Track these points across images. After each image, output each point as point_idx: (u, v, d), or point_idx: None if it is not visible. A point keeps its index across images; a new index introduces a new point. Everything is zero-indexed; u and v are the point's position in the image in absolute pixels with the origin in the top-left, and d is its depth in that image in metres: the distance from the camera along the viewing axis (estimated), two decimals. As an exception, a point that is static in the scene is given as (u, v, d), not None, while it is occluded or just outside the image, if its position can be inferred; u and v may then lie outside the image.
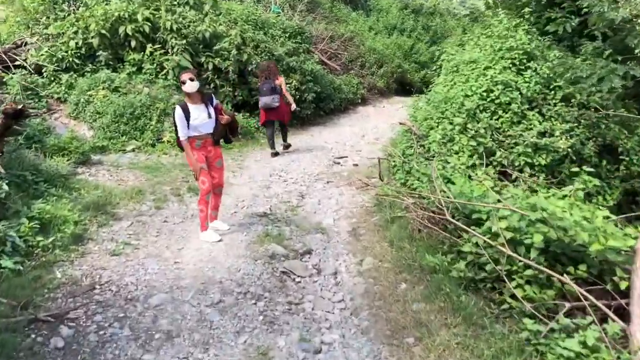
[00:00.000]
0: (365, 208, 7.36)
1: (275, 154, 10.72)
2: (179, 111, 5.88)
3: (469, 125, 7.59)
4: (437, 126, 7.94)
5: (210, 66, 12.48)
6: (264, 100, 10.28)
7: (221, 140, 6.47)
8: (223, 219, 6.92)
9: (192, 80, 5.85)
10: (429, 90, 12.11)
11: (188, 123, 5.90)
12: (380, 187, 7.94)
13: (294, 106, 10.97)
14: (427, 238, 5.79)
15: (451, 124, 7.89)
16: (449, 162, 7.09)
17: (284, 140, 11.22)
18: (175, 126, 6.00)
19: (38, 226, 5.89)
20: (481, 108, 8.02)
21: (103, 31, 12.07)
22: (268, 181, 8.97)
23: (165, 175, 8.93)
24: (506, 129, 7.90)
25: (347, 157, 10.62)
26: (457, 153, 7.46)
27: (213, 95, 6.22)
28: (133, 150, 10.63)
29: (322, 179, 9.00)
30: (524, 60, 8.77)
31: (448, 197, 5.60)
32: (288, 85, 13.15)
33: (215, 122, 6.11)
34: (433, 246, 5.57)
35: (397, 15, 24.23)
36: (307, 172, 9.47)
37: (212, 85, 12.61)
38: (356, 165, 9.89)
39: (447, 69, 9.66)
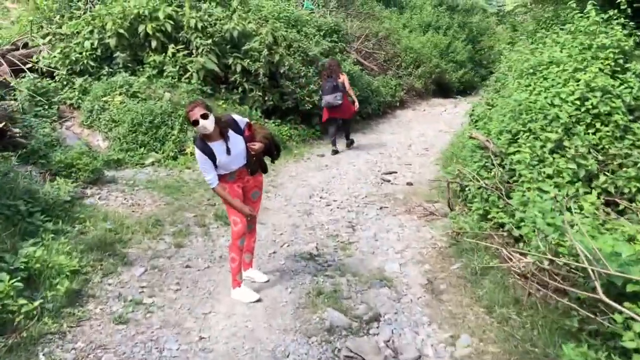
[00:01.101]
0: (438, 249, 5.72)
1: (335, 152, 10.56)
2: (199, 155, 4.35)
3: (566, 143, 5.92)
4: (522, 142, 6.28)
5: (239, 68, 10.95)
6: (326, 99, 10.06)
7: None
8: (260, 264, 5.38)
9: (205, 117, 4.25)
10: (490, 95, 10.45)
11: (215, 164, 4.40)
12: (451, 218, 6.31)
13: (357, 105, 10.62)
14: (543, 305, 4.16)
15: (537, 138, 6.23)
16: (546, 191, 5.42)
17: (347, 137, 11.06)
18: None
19: (22, 284, 4.37)
20: (573, 120, 6.36)
21: (121, 30, 10.62)
22: (308, 205, 7.40)
23: (188, 197, 7.41)
24: (607, 146, 6.22)
25: (396, 172, 9.00)
26: (550, 177, 5.79)
27: (235, 118, 4.59)
28: (152, 163, 9.15)
29: (374, 203, 7.38)
30: (620, 61, 7.08)
31: (570, 255, 3.96)
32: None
33: (245, 151, 4.57)
34: (555, 322, 3.93)
35: (432, 13, 22.47)
36: (353, 193, 7.87)
37: (240, 89, 11.08)
38: (410, 184, 8.26)
39: (521, 71, 7.97)
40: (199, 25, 10.79)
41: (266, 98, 11.20)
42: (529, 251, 4.60)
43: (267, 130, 4.90)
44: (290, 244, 5.97)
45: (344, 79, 10.19)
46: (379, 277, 5.16)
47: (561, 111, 6.23)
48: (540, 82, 7.29)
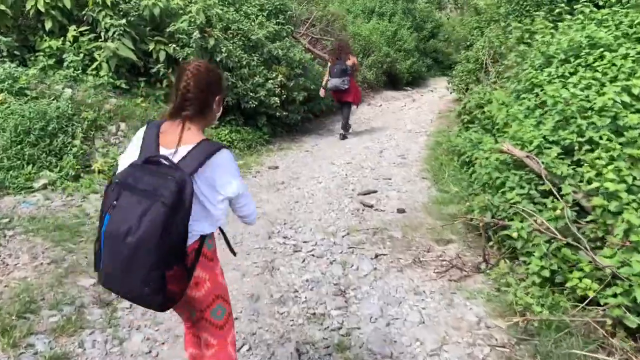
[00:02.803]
0: (497, 348, 3.41)
1: (344, 137, 9.86)
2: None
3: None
4: (589, 161, 4.08)
5: (163, 56, 8.29)
6: (333, 82, 9.38)
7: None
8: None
9: None
10: (483, 88, 8.30)
11: None
12: (496, 279, 4.05)
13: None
14: None
15: (609, 156, 4.06)
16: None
17: (345, 122, 10.12)
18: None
19: None
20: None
21: (2, 7, 7.73)
22: (268, 251, 4.95)
23: (89, 246, 4.82)
24: None
25: (376, 191, 6.67)
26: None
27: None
28: (45, 187, 6.43)
29: (363, 246, 5.00)
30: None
31: None
32: (271, 81, 9.14)
33: None
34: None
35: (375, -2, 20.30)
36: (327, 228, 5.47)
37: (165, 82, 8.44)
38: (402, 211, 5.92)
39: (548, 58, 5.81)
40: (109, 0, 8.03)
41: (199, 94, 8.59)
42: None
43: None
44: (252, 345, 3.50)
45: (353, 61, 9.50)
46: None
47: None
48: (584, 72, 5.15)
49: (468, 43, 13.39)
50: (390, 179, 7.16)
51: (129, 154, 2.23)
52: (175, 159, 2.11)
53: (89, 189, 6.48)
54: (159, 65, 8.30)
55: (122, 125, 7.74)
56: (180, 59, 8.36)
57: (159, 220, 1.91)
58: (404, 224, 5.50)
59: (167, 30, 8.49)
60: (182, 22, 8.52)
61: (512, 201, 4.28)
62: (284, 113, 9.48)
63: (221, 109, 2.35)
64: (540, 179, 4.44)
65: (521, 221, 4.18)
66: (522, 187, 4.44)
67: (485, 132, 6.75)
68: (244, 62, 8.97)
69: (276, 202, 6.32)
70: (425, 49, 21.46)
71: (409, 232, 5.27)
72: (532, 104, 5.32)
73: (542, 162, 4.36)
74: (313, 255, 4.85)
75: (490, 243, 4.58)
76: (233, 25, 9.19)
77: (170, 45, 8.35)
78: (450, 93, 12.90)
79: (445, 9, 27.28)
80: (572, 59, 5.42)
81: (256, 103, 9.00)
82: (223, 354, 2.40)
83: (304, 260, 4.76)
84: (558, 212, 3.86)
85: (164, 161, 2.06)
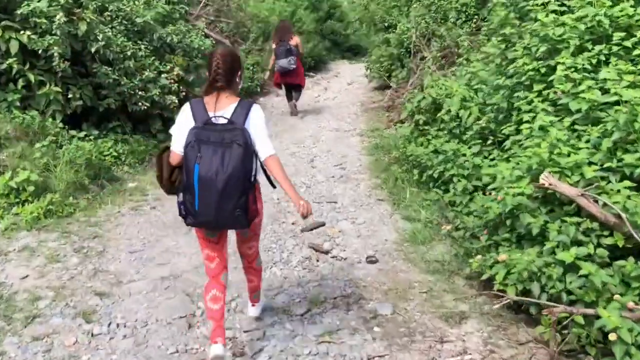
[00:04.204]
0: None
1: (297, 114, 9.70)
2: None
3: None
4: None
5: (14, 47, 5.87)
6: (280, 63, 9.03)
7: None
8: None
9: None
10: (432, 79, 6.65)
11: None
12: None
13: None
14: None
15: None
16: None
17: (294, 106, 9.73)
18: None
19: None
20: None
21: None
22: (190, 357, 3.05)
23: None
24: None
25: (323, 224, 4.86)
26: None
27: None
28: None
29: (339, 339, 3.17)
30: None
31: None
32: (165, 75, 7.04)
33: None
34: None
35: (268, -26, 18.20)
36: (273, 298, 3.63)
37: (21, 83, 6.02)
38: (373, 260, 4.17)
39: (552, 42, 4.25)
40: None
41: (70, 96, 6.26)
42: None
43: None
44: None
45: (296, 41, 9.21)
46: None
47: None
48: (619, 65, 3.67)
49: (386, 24, 11.86)
50: (335, 202, 5.40)
51: (183, 125, 2.72)
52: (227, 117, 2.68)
53: None
54: (11, 60, 5.87)
55: (-41, 145, 5.35)
56: (40, 51, 5.99)
57: (239, 156, 2.58)
58: (385, 285, 3.77)
59: (19, 12, 6.04)
60: (39, 2, 6.11)
61: (582, 272, 2.69)
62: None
63: (242, 81, 2.92)
64: (603, 227, 2.90)
65: (592, 302, 2.63)
66: (579, 244, 2.87)
67: (453, 138, 5.19)
68: (129, 53, 6.73)
69: (190, 252, 4.35)
70: (322, 31, 19.78)
71: (399, 302, 3.54)
72: (545, 108, 3.79)
73: (620, 206, 2.79)
74: (266, 367, 2.99)
75: (523, 322, 2.97)
76: (111, 4, 6.88)
77: (24, 32, 5.94)
78: (370, 81, 11.34)
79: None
80: (590, 46, 3.96)
81: (148, 104, 6.83)
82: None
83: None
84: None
85: (221, 120, 2.66)
